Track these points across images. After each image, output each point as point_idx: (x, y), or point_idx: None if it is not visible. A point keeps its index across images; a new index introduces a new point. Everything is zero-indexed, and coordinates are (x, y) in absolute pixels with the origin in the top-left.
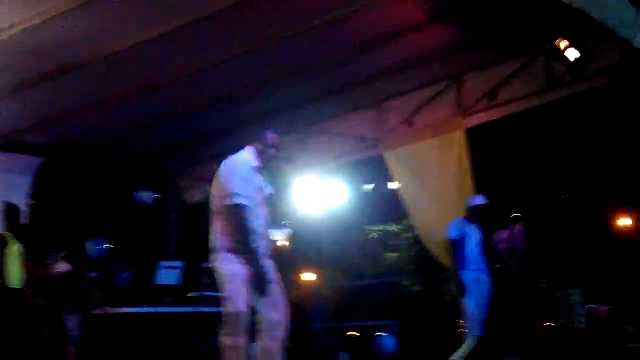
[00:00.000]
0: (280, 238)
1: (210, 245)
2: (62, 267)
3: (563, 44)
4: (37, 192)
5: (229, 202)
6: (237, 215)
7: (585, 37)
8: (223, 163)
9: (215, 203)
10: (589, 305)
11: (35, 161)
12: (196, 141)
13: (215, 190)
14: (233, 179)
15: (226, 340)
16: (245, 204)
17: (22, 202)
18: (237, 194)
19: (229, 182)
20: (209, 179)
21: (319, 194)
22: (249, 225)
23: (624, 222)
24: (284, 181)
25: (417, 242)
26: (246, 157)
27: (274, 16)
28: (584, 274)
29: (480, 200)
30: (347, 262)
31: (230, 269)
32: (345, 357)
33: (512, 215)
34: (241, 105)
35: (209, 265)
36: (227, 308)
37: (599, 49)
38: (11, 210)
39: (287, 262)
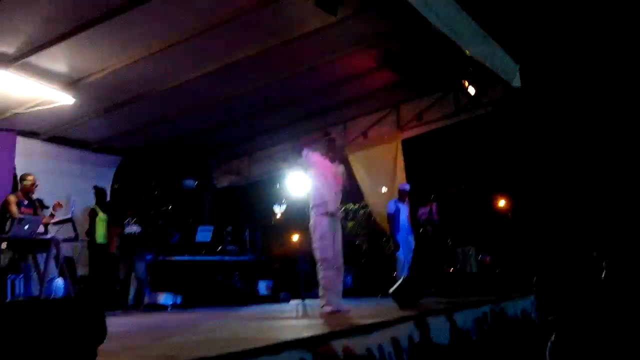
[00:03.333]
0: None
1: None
2: (133, 228)
3: (466, 83)
4: (117, 179)
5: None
6: None
7: (481, 78)
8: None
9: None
10: (480, 256)
11: (117, 159)
12: (223, 145)
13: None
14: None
15: None
16: None
17: (107, 185)
18: None
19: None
20: (233, 171)
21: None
22: None
23: (501, 202)
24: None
25: (368, 215)
26: None
27: (276, 64)
28: (476, 236)
29: (407, 186)
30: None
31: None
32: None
33: (431, 197)
34: (252, 122)
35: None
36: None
37: (490, 87)
38: (100, 191)
39: (284, 227)
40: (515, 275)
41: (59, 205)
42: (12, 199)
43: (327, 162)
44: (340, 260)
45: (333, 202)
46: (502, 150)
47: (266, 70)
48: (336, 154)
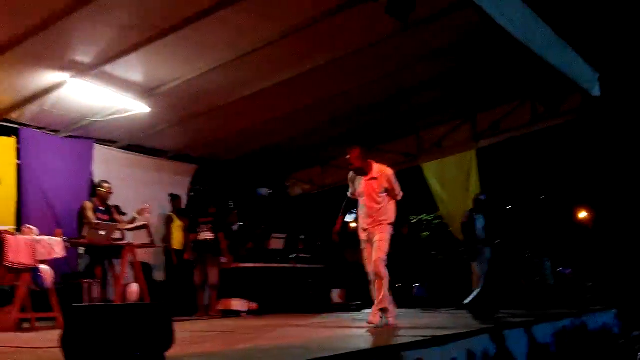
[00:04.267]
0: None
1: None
2: (207, 235)
3: None
4: (192, 187)
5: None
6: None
7: (560, 87)
8: (380, 168)
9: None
10: (559, 268)
11: (192, 167)
12: (296, 154)
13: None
14: (396, 182)
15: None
16: None
17: (183, 193)
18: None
19: (396, 184)
20: (306, 180)
21: None
22: None
23: (582, 214)
24: None
25: (443, 225)
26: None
27: (347, 72)
28: (554, 248)
29: (482, 197)
30: (393, 239)
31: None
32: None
33: (507, 208)
34: (325, 131)
35: (302, 237)
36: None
37: (568, 96)
38: (176, 198)
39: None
40: (597, 289)
41: (146, 210)
42: (89, 205)
43: (359, 179)
44: (372, 272)
45: (361, 218)
46: (583, 161)
47: (337, 79)
48: (357, 167)
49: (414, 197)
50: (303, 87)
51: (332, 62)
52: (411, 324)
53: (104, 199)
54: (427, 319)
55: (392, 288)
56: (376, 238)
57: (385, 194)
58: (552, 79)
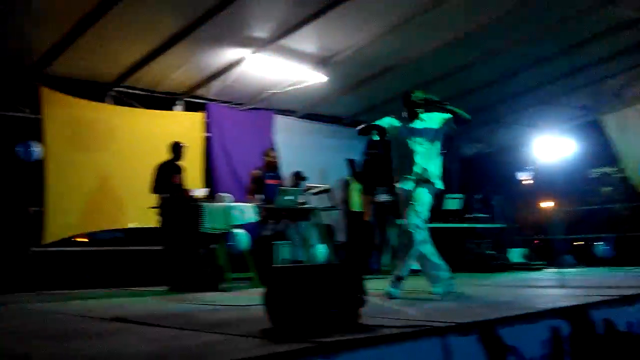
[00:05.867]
0: (525, 178)
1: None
2: (384, 197)
3: None
4: (368, 151)
5: None
6: None
7: None
8: None
9: None
10: None
11: None
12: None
13: None
14: None
15: None
16: None
17: (358, 158)
18: None
19: None
20: (479, 139)
21: (554, 147)
22: None
23: None
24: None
25: (624, 178)
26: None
27: (523, 23)
28: None
29: None
30: (575, 194)
31: None
32: (570, 259)
33: None
34: (498, 88)
35: (478, 197)
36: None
37: None
38: (352, 163)
39: (532, 193)
40: None
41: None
42: (256, 173)
43: None
44: None
45: None
46: None
47: (512, 31)
48: None
49: (594, 150)
50: (476, 43)
51: (507, 13)
52: (598, 284)
53: (271, 165)
54: (615, 279)
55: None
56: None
57: None
58: None
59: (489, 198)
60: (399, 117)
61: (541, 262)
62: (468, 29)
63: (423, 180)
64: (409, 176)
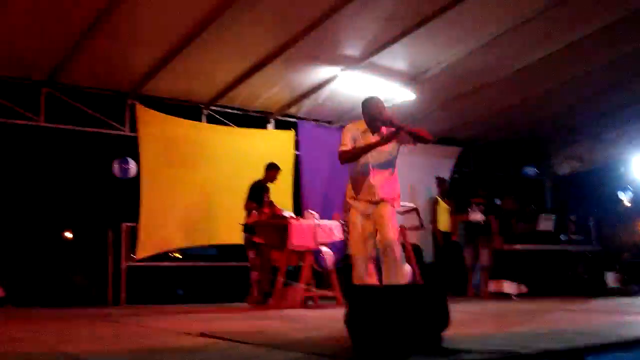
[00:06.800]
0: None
1: None
2: (477, 216)
3: None
4: (457, 169)
5: None
6: None
7: None
8: None
9: None
10: None
11: (456, 150)
12: (563, 130)
13: None
14: None
15: None
16: None
17: (447, 175)
18: None
19: None
20: (574, 157)
21: None
22: None
23: None
24: None
25: None
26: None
27: (624, 36)
28: None
29: None
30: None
31: None
32: None
33: None
34: (595, 104)
35: (573, 218)
36: None
37: None
38: (441, 181)
39: (631, 214)
40: None
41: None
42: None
43: None
44: None
45: None
46: None
47: (612, 44)
48: None
49: None
50: (569, 58)
51: (606, 27)
52: None
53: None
54: None
55: None
56: None
57: None
58: None
59: (584, 219)
60: None
61: (638, 286)
62: (571, 40)
63: None
64: None
